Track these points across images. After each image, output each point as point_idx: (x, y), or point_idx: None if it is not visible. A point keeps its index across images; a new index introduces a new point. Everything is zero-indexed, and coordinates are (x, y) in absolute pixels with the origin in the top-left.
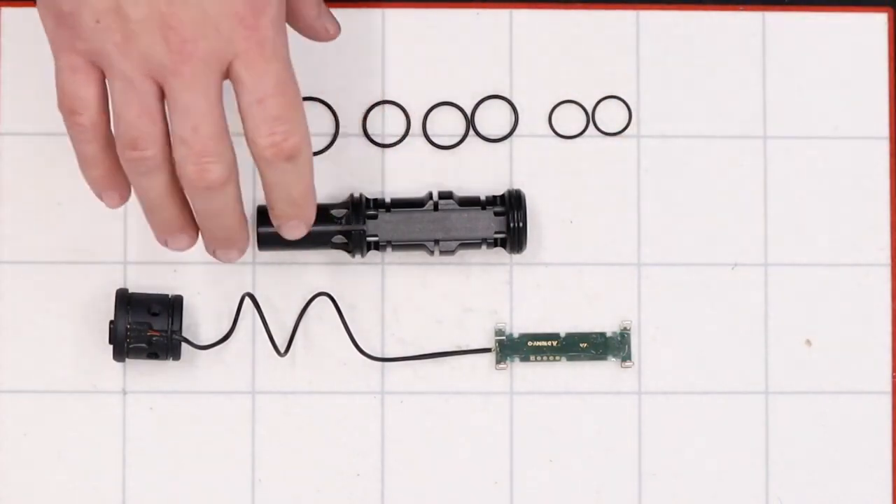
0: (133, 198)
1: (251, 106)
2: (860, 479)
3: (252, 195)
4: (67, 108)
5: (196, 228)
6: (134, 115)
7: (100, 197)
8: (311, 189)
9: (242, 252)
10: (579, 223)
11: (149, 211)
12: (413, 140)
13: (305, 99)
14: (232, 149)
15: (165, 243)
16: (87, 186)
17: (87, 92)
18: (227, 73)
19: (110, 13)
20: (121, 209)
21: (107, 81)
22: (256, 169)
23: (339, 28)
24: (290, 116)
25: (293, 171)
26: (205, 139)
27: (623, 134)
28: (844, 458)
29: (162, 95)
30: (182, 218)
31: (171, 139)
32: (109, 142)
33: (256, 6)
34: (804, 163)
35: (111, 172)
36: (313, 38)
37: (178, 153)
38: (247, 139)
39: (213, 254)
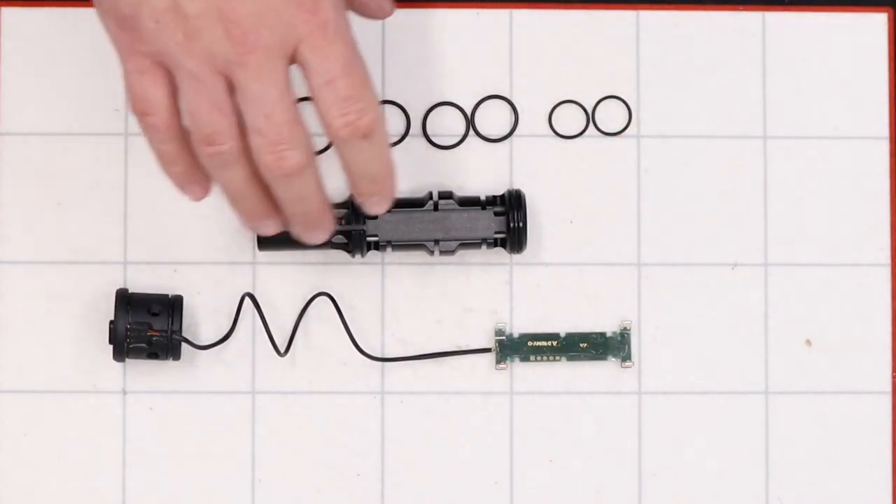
0: (131, 197)
1: (321, 88)
2: (860, 479)
3: None
4: (139, 111)
5: (281, 211)
6: (205, 111)
7: (182, 191)
8: (391, 164)
9: (329, 233)
10: (579, 223)
11: (233, 201)
12: (413, 140)
13: (306, 99)
14: (307, 133)
15: (253, 229)
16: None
17: (155, 93)
18: (293, 58)
19: (168, 12)
20: (120, 209)
21: (176, 80)
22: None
23: (393, 6)
24: (361, 95)
25: (370, 148)
26: (279, 127)
27: (623, 134)
28: (844, 458)
29: (231, 88)
30: (265, 204)
31: (246, 130)
32: (185, 138)
33: None
34: (804, 163)
35: (191, 168)
36: (369, 17)
37: (254, 143)
38: (321, 121)
39: (300, 237)
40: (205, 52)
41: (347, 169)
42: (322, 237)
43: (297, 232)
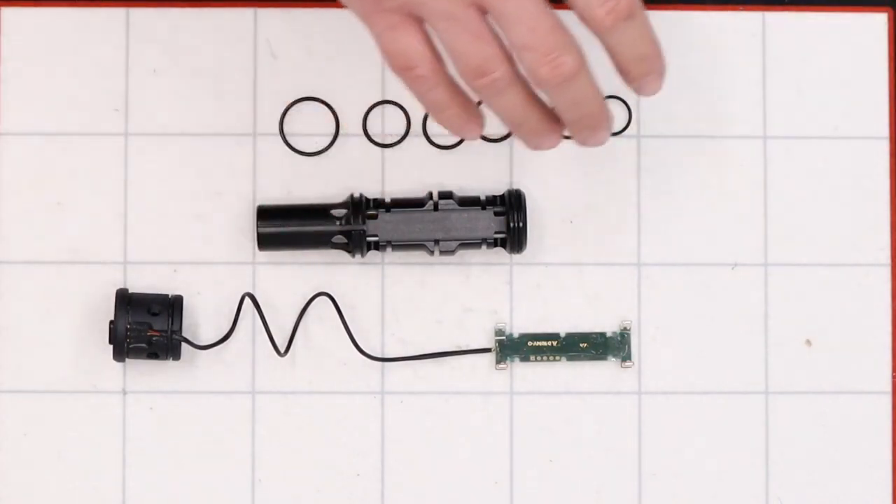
0: (131, 197)
1: None
2: (860, 479)
3: (253, 196)
4: (402, 66)
5: (561, 124)
6: (469, 44)
7: (459, 134)
8: (656, 39)
9: (610, 130)
10: (579, 223)
11: (514, 126)
12: (413, 140)
13: (305, 99)
14: (570, 32)
15: (537, 147)
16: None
17: (413, 44)
18: None
19: None
20: (120, 209)
21: (427, 27)
22: (597, 34)
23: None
24: None
25: (635, 28)
26: (546, 36)
27: (623, 134)
28: (844, 458)
29: (483, 16)
30: (547, 120)
31: (513, 51)
32: (451, 81)
33: None
34: (804, 163)
35: (463, 108)
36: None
37: (526, 60)
38: (583, 19)
39: (584, 143)
40: None
41: (617, 56)
42: (605, 137)
43: (582, 138)
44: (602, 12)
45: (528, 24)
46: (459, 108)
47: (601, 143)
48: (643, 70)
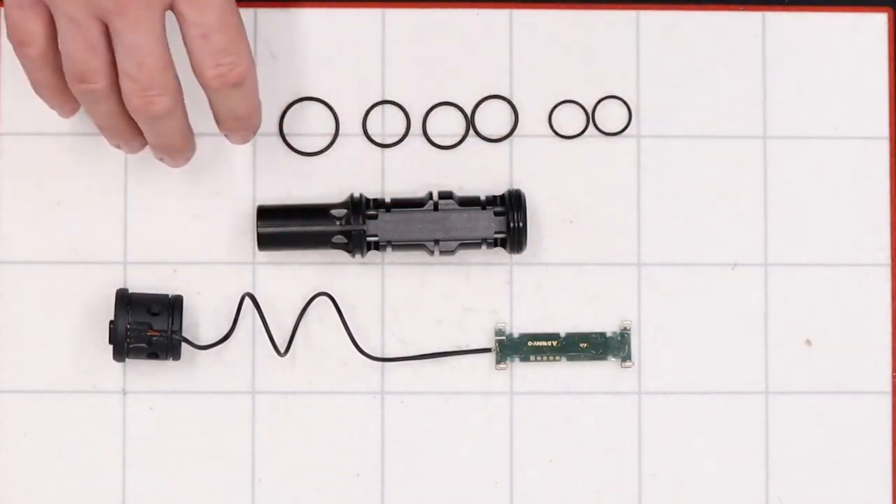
0: (131, 197)
1: (196, 40)
2: (860, 479)
3: (253, 196)
4: (16, 41)
5: (144, 139)
6: (80, 51)
7: (52, 109)
8: (257, 104)
9: (189, 159)
10: (579, 223)
11: (99, 128)
12: (413, 140)
13: (306, 99)
14: (176, 78)
15: (118, 146)
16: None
17: (33, 26)
18: (170, 6)
19: None
20: (120, 209)
21: (54, 18)
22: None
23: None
24: (234, 48)
25: (239, 95)
26: (150, 74)
27: (623, 134)
28: (844, 458)
29: (106, 30)
30: (131, 129)
31: (119, 71)
32: (57, 67)
33: None
34: (804, 163)
35: (60, 92)
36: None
37: (125, 86)
38: (194, 70)
39: (162, 161)
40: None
41: (215, 110)
42: (183, 163)
43: (158, 157)
44: (212, 74)
45: (139, 58)
46: (55, 92)
47: (177, 167)
48: (235, 127)
